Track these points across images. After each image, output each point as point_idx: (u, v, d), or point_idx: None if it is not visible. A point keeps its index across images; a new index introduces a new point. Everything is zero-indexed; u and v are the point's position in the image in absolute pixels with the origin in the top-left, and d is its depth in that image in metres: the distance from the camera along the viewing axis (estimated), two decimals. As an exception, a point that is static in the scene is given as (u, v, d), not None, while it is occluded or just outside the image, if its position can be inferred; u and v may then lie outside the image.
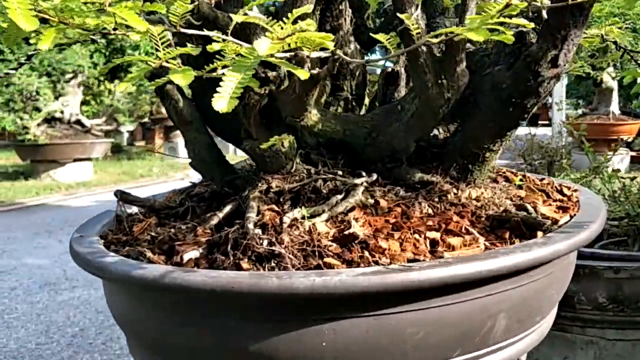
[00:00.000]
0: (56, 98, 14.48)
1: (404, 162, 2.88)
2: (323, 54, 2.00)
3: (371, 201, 2.71)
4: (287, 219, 2.32)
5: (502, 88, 2.58)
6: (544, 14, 2.47)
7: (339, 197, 2.60)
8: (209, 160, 2.79)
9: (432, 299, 2.02)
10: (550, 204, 2.92)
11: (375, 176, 2.77)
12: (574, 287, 3.76)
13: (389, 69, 3.02)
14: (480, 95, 2.68)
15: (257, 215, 2.39)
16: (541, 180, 3.28)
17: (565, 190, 3.15)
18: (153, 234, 2.56)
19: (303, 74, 1.90)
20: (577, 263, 2.88)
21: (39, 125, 14.37)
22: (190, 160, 2.83)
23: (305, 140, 2.96)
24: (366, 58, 3.31)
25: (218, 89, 1.75)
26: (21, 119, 14.53)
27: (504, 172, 3.27)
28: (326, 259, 2.14)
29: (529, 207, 2.73)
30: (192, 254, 2.30)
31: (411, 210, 2.67)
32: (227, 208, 2.55)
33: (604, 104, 15.49)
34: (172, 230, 2.53)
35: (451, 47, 2.44)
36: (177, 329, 2.17)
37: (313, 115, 2.63)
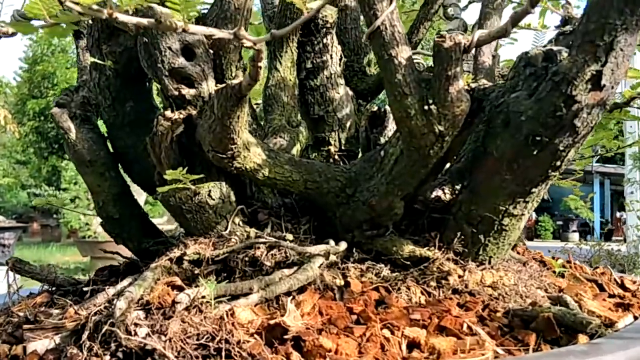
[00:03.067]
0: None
1: (390, 229, 2.08)
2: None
3: (340, 282, 1.91)
4: (183, 299, 1.55)
5: (521, 122, 1.79)
6: (573, 9, 1.78)
7: (287, 272, 1.82)
8: (118, 217, 2.07)
9: None
10: (604, 299, 2.02)
11: (343, 245, 1.97)
12: None
13: (375, 109, 2.28)
14: (492, 134, 1.89)
15: (146, 291, 1.62)
16: (594, 269, 2.37)
17: (628, 284, 2.23)
18: (22, 315, 1.84)
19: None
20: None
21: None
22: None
23: (264, 199, 2.21)
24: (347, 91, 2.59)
25: None
26: (85, 215, 14.76)
27: (540, 256, 2.39)
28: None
29: (569, 300, 1.86)
30: (39, 344, 1.57)
31: (393, 297, 1.85)
32: (124, 283, 1.80)
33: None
34: (41, 310, 1.79)
35: (441, 56, 1.70)
36: None
37: (253, 154, 1.90)
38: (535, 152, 1.80)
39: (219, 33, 1.32)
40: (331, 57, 2.61)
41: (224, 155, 1.79)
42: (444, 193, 2.24)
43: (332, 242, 2.03)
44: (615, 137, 3.70)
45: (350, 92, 2.73)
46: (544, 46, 1.97)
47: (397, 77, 1.77)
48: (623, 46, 1.68)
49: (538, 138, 1.78)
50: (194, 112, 1.81)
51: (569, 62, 1.73)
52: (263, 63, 1.58)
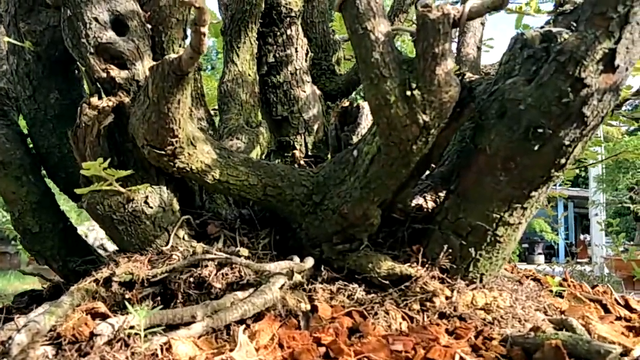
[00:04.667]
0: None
1: (365, 243, 1.76)
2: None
3: (305, 306, 1.59)
4: (105, 330, 1.21)
5: (520, 111, 1.51)
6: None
7: (241, 295, 1.48)
8: (38, 231, 1.71)
9: None
10: (612, 322, 1.72)
11: (310, 262, 1.65)
12: None
13: (346, 104, 1.97)
14: (484, 128, 1.60)
15: (59, 321, 1.27)
16: (592, 287, 2.09)
17: (633, 304, 1.95)
18: None
19: None
20: None
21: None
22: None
23: (217, 209, 1.87)
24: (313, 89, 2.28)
25: None
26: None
27: (532, 273, 2.10)
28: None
29: (575, 324, 1.57)
30: None
31: (369, 323, 1.53)
32: (39, 310, 1.44)
33: (647, 239, 14.15)
34: None
35: (426, 29, 1.41)
36: None
37: (200, 152, 1.57)
38: (536, 148, 1.51)
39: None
40: (296, 51, 2.31)
41: (162, 152, 1.46)
42: (426, 201, 1.94)
43: (296, 259, 1.70)
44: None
45: (318, 92, 2.43)
46: (541, 27, 1.70)
47: (373, 55, 1.47)
48: (640, 19, 1.42)
49: (540, 130, 1.49)
50: (126, 99, 1.48)
51: (576, 39, 1.45)
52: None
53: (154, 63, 1.32)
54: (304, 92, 2.31)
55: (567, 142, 1.50)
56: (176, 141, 1.44)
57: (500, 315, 1.63)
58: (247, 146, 2.04)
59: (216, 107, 2.51)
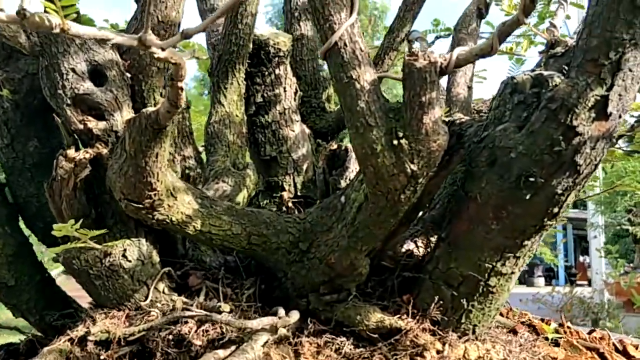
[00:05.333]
0: None
1: (353, 293, 1.70)
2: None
3: (290, 362, 1.52)
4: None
5: (511, 160, 1.46)
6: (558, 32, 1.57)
7: (222, 353, 1.42)
8: (14, 284, 1.65)
9: None
10: (610, 374, 1.66)
11: (295, 317, 1.58)
12: None
13: (334, 147, 1.93)
14: (474, 175, 1.55)
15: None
16: (589, 333, 2.02)
17: (631, 350, 1.89)
18: None
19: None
20: None
21: None
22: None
23: (201, 257, 1.82)
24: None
25: None
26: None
27: (528, 319, 2.04)
28: None
29: (574, 378, 1.50)
30: None
31: (357, 380, 1.46)
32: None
33: (647, 262, 14.04)
34: None
35: (413, 78, 1.37)
36: None
37: (181, 203, 1.52)
38: (528, 197, 1.46)
39: (116, 37, 0.95)
40: (285, 91, 2.27)
41: (140, 205, 1.40)
42: (417, 246, 1.89)
43: (281, 311, 1.64)
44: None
45: (308, 130, 2.39)
46: (532, 70, 1.67)
47: (359, 104, 1.43)
48: (632, 65, 1.38)
49: (532, 179, 1.44)
50: (104, 151, 1.43)
51: (567, 85, 1.42)
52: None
53: (131, 116, 1.27)
54: (293, 131, 2.27)
55: (559, 191, 1.46)
56: (154, 194, 1.39)
57: (495, 370, 1.56)
58: (234, 189, 1.99)
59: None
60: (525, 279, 24.76)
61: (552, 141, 1.41)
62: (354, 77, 1.42)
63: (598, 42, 1.38)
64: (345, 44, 1.41)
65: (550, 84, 1.48)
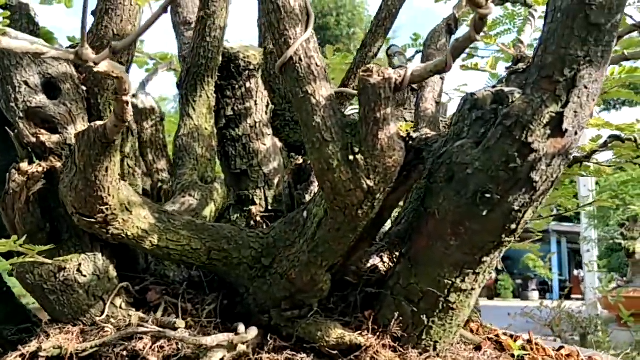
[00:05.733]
0: None
1: (315, 309, 1.69)
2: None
3: (247, 380, 1.50)
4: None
5: (467, 176, 1.46)
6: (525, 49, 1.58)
7: (176, 369, 1.40)
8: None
9: None
10: (573, 392, 1.64)
11: (253, 333, 1.57)
12: None
13: (300, 161, 1.92)
14: (433, 191, 1.55)
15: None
16: (557, 350, 2.01)
17: (599, 368, 1.87)
18: None
19: None
20: None
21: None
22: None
23: (164, 272, 1.80)
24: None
25: None
26: None
27: (496, 335, 2.03)
28: None
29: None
30: None
31: (314, 398, 1.44)
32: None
33: (639, 276, 14.03)
34: None
35: (367, 94, 1.37)
36: None
37: (137, 218, 1.50)
38: (484, 213, 1.45)
39: (51, 51, 0.95)
40: (256, 104, 2.27)
41: (92, 220, 1.39)
42: (382, 261, 1.88)
43: (241, 327, 1.63)
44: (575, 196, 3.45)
45: (280, 144, 2.38)
46: (494, 87, 1.67)
47: (315, 119, 1.43)
48: (587, 82, 1.38)
49: (488, 195, 1.44)
50: (58, 164, 1.42)
51: (523, 102, 1.41)
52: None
53: (80, 130, 1.26)
54: (264, 145, 2.27)
55: (516, 208, 1.45)
56: (107, 208, 1.38)
57: (454, 388, 1.55)
58: (200, 203, 1.98)
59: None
60: (520, 293, 24.77)
61: (507, 158, 1.41)
62: (309, 92, 1.41)
63: (553, 59, 1.38)
64: (300, 59, 1.41)
65: (511, 100, 1.49)
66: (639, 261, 14.47)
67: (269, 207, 2.27)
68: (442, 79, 2.16)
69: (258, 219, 2.17)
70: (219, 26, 2.08)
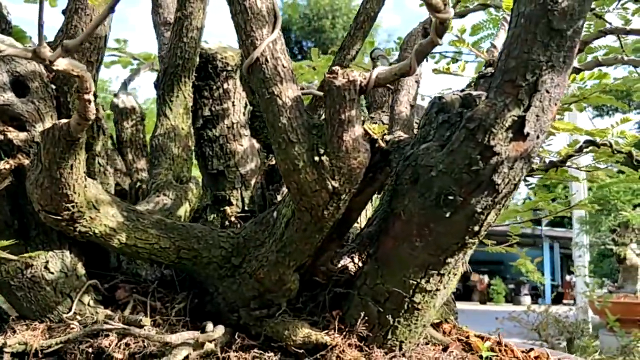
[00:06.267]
0: None
1: (283, 308, 1.70)
2: None
3: (214, 377, 1.51)
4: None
5: (431, 178, 1.48)
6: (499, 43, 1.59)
7: (141, 366, 1.41)
8: None
9: None
10: (537, 393, 1.66)
11: (219, 332, 1.58)
12: None
13: (272, 162, 1.94)
14: (399, 193, 1.56)
15: None
16: (526, 352, 2.03)
17: (565, 370, 1.89)
18: None
19: None
20: None
21: None
22: None
23: (136, 270, 1.81)
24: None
25: None
26: None
27: (467, 336, 2.04)
28: None
29: (494, 396, 1.50)
30: None
31: (276, 396, 1.46)
32: None
33: (629, 282, 14.11)
34: None
35: (332, 96, 1.39)
36: None
37: (105, 216, 1.52)
38: (448, 215, 1.47)
39: (8, 49, 0.96)
40: (233, 105, 2.29)
41: (59, 217, 1.41)
42: (354, 263, 1.89)
43: (210, 326, 1.64)
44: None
45: (257, 145, 2.39)
46: (462, 90, 1.69)
47: (281, 120, 1.44)
48: (549, 87, 1.40)
49: (451, 197, 1.46)
50: (26, 161, 1.44)
51: (486, 106, 1.43)
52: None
53: (45, 128, 1.28)
54: (241, 145, 2.28)
55: (479, 210, 1.47)
56: (72, 206, 1.39)
57: (418, 387, 1.57)
58: (175, 203, 1.99)
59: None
60: (512, 297, 24.81)
61: (470, 160, 1.43)
62: (275, 93, 1.43)
63: (516, 63, 1.40)
64: (266, 60, 1.43)
65: (478, 103, 1.51)
66: (629, 267, 14.54)
67: (246, 208, 2.28)
68: (417, 82, 2.18)
69: (232, 219, 2.18)
70: (195, 27, 2.10)
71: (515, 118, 1.41)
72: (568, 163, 2.55)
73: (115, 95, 2.70)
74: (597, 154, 2.51)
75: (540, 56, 1.38)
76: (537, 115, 1.42)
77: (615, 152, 2.39)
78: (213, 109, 2.26)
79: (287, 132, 1.44)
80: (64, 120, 1.25)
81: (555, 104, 1.44)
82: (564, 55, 1.39)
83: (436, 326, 2.28)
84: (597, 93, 2.40)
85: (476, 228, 1.50)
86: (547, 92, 1.41)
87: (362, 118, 1.63)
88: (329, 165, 1.43)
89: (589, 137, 2.37)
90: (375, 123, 2.17)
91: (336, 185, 1.45)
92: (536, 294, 25.06)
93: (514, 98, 1.41)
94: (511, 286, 26.13)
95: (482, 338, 2.12)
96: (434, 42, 1.34)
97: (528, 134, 1.42)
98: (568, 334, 7.63)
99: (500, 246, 3.30)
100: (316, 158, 1.44)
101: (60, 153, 1.29)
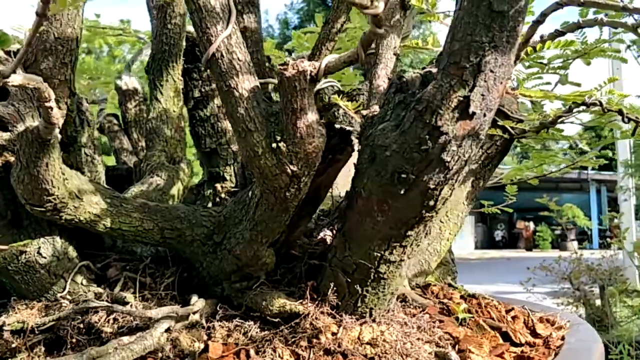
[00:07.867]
0: None
1: (261, 280, 1.83)
2: None
3: (198, 345, 1.66)
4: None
5: (386, 157, 1.56)
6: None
7: (127, 339, 1.57)
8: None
9: None
10: (503, 353, 1.76)
11: (199, 305, 1.72)
12: None
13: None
14: (359, 171, 1.65)
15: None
16: (509, 311, 2.12)
17: (540, 330, 1.98)
18: None
19: None
20: None
21: None
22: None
23: (131, 248, 1.97)
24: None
25: None
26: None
27: (450, 297, 2.15)
28: None
29: (454, 357, 1.62)
30: None
31: (254, 363, 1.60)
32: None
33: (676, 225, 13.80)
34: None
35: (284, 86, 1.47)
36: None
37: (88, 204, 1.66)
38: (402, 192, 1.56)
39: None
40: (222, 85, 2.38)
41: (43, 209, 1.55)
42: (333, 234, 2.00)
43: (194, 298, 1.79)
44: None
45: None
46: (423, 68, 1.74)
47: (239, 110, 1.54)
48: (493, 67, 1.45)
49: (404, 175, 1.54)
50: (12, 159, 1.58)
51: (433, 87, 1.50)
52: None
53: (22, 129, 1.41)
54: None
55: (432, 186, 1.55)
56: (54, 198, 1.53)
57: (385, 350, 1.68)
58: (167, 183, 2.13)
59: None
60: (559, 244, 24.60)
61: (420, 140, 1.50)
62: (232, 85, 1.52)
63: (460, 45, 1.45)
64: (222, 55, 1.52)
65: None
66: (675, 209, 14.21)
67: (237, 182, 2.40)
68: (396, 55, 2.23)
69: (223, 195, 2.31)
70: (178, 13, 2.19)
71: (461, 98, 1.46)
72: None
73: (118, 77, 2.83)
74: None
75: (483, 37, 1.43)
76: (482, 95, 1.47)
77: (606, 110, 2.40)
78: (202, 90, 2.37)
79: (246, 121, 1.54)
80: (34, 124, 1.37)
81: (502, 83, 1.49)
82: (507, 35, 1.44)
83: (424, 288, 2.39)
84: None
85: (431, 203, 1.58)
86: (492, 71, 1.45)
87: (331, 101, 1.72)
88: (287, 150, 1.53)
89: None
90: (363, 94, 2.24)
91: (295, 169, 1.55)
92: (583, 239, 24.80)
93: (459, 79, 1.46)
94: (557, 232, 25.87)
95: (474, 297, 2.22)
96: (375, 33, 1.41)
97: (474, 113, 1.47)
98: (601, 281, 7.62)
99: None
100: (274, 145, 1.54)
101: (35, 153, 1.42)
